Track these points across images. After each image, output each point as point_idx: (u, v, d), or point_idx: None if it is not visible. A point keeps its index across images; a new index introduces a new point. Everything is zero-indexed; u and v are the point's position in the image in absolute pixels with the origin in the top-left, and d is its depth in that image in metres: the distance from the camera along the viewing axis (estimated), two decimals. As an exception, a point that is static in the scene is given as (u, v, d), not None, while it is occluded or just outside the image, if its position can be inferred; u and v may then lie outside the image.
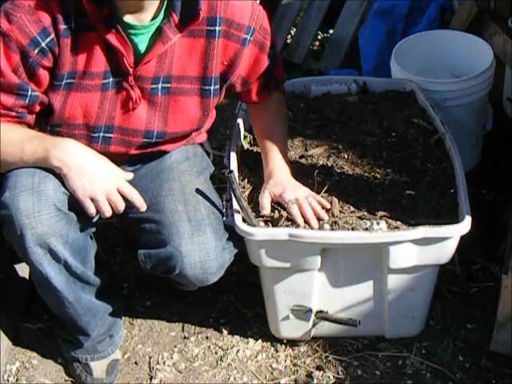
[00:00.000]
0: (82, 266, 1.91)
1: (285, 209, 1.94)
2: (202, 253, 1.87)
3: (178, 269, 1.88)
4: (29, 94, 1.76)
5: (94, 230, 1.97)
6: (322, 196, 1.99)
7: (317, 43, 3.69)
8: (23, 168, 1.79)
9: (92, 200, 1.77)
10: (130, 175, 1.88)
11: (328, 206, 1.94)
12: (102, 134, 1.88)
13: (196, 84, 1.89)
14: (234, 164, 2.06)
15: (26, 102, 1.77)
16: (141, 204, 1.85)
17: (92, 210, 1.78)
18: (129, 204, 1.84)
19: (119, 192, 1.81)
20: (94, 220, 1.93)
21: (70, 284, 1.91)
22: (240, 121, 2.24)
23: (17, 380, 2.16)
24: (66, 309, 1.97)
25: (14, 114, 1.78)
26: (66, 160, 1.75)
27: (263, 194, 1.97)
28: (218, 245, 1.89)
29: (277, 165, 2.02)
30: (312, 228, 1.88)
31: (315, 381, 2.09)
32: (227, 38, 1.85)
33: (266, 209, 1.94)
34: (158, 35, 1.78)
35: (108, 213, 1.80)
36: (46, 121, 1.85)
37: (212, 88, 1.90)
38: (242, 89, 2.01)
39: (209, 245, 1.88)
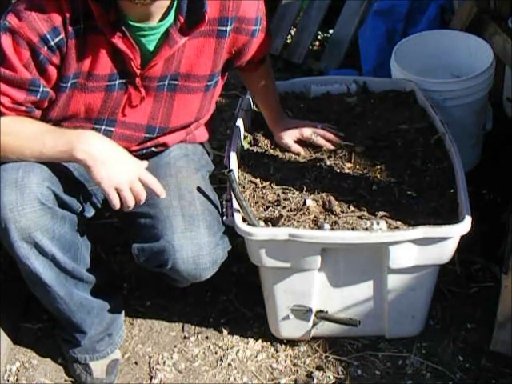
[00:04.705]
0: (72, 262, 1.91)
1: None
2: (194, 248, 1.87)
3: (170, 263, 1.88)
4: (40, 89, 1.76)
5: (84, 227, 1.97)
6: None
7: (317, 43, 3.69)
8: (10, 163, 1.78)
9: (116, 190, 1.76)
10: (146, 163, 1.87)
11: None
12: (103, 127, 1.89)
13: (202, 82, 1.91)
14: (234, 164, 2.06)
15: (38, 97, 1.77)
16: (161, 191, 1.84)
17: (116, 200, 1.77)
18: (149, 191, 1.83)
19: (140, 181, 1.80)
20: (89, 215, 1.95)
21: (61, 280, 1.91)
22: (240, 121, 2.24)
23: (17, 380, 2.16)
24: (58, 304, 1.98)
25: (23, 108, 1.78)
26: (91, 152, 1.73)
27: (286, 140, 2.20)
28: (211, 241, 1.89)
29: (279, 115, 2.25)
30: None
31: (315, 381, 2.09)
32: (237, 32, 1.88)
33: (299, 148, 2.19)
34: (165, 38, 1.78)
35: (131, 203, 1.79)
36: (46, 115, 1.84)
37: (214, 81, 1.93)
38: (246, 66, 2.06)
39: (202, 240, 1.88)
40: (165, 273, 1.97)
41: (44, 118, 1.84)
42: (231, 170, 1.92)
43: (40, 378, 2.16)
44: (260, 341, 2.22)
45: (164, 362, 2.19)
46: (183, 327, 2.28)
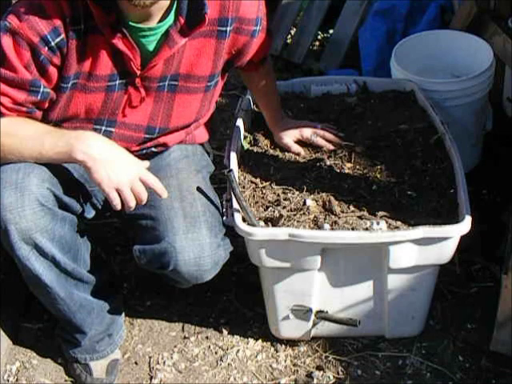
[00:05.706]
0: (72, 263, 1.91)
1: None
2: (196, 249, 1.87)
3: (172, 265, 1.88)
4: (41, 90, 1.76)
5: (84, 227, 1.97)
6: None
7: (317, 43, 3.69)
8: (9, 164, 1.78)
9: (116, 191, 1.76)
10: (147, 163, 1.86)
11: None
12: (103, 128, 1.89)
13: (203, 83, 1.91)
14: (234, 164, 2.06)
15: (38, 98, 1.77)
16: (162, 191, 1.83)
17: (117, 201, 1.76)
18: (150, 191, 1.82)
19: (141, 181, 1.79)
20: (90, 216, 1.94)
21: (61, 280, 1.91)
22: (240, 121, 2.24)
23: (17, 380, 2.16)
24: (58, 305, 1.98)
25: (24, 109, 1.78)
26: (91, 153, 1.73)
27: (286, 140, 2.19)
28: (213, 242, 1.89)
29: (279, 115, 2.25)
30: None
31: (315, 381, 2.09)
32: (237, 32, 1.88)
33: (299, 148, 2.18)
34: (165, 38, 1.78)
35: (132, 203, 1.78)
36: (46, 116, 1.84)
37: (214, 82, 1.94)
38: (247, 66, 2.06)
39: (203, 241, 1.88)
40: (166, 274, 1.97)
41: (45, 119, 1.84)
42: (231, 170, 1.92)
43: (40, 378, 2.16)
44: (260, 341, 2.22)
45: (164, 362, 2.19)
46: (183, 327, 2.28)
